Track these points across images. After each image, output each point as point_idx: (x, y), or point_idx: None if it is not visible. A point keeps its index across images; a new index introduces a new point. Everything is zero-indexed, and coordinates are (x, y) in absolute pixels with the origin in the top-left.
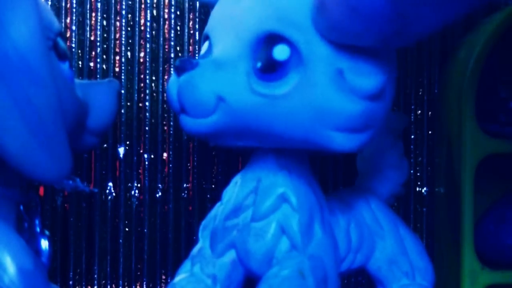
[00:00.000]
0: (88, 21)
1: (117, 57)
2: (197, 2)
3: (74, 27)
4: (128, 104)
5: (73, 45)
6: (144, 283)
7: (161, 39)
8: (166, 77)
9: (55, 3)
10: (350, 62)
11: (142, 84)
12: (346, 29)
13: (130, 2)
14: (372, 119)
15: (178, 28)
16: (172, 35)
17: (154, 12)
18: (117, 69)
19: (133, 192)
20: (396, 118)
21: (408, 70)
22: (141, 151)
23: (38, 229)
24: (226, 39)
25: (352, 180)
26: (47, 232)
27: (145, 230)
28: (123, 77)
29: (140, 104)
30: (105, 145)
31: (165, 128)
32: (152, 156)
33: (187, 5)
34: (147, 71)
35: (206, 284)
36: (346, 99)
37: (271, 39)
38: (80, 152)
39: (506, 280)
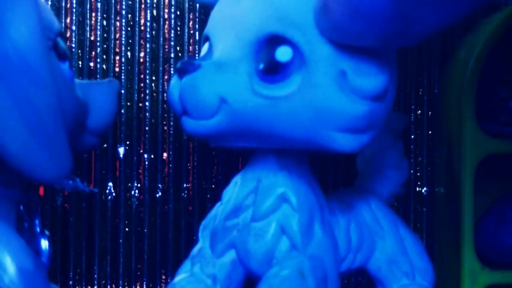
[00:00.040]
0: (88, 21)
1: (117, 57)
2: (197, 2)
3: (74, 27)
4: (128, 104)
5: (73, 45)
6: (144, 283)
7: (161, 39)
8: (166, 77)
9: (55, 3)
10: (352, 63)
11: (142, 84)
12: (348, 30)
13: (130, 2)
14: (374, 119)
15: (178, 28)
16: (172, 35)
17: (154, 12)
18: (117, 69)
19: (133, 192)
20: (396, 118)
21: (408, 70)
22: (141, 151)
23: (38, 229)
24: (226, 40)
25: (352, 180)
26: (47, 232)
27: (145, 230)
28: (123, 77)
29: (140, 104)
30: (105, 145)
31: (165, 128)
32: (152, 156)
33: (187, 5)
34: (147, 71)
35: (206, 284)
36: (348, 99)
37: (273, 40)
38: (80, 152)
39: (506, 280)
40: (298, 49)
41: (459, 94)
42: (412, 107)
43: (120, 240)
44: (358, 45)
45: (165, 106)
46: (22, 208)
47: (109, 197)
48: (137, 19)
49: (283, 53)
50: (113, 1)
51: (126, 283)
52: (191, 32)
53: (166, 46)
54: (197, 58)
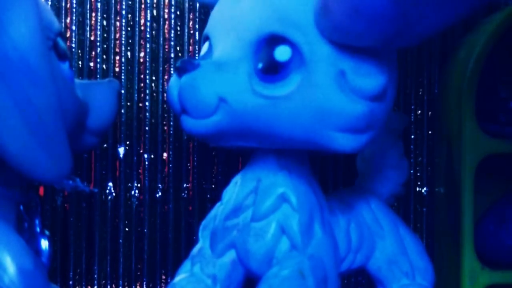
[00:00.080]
0: (88, 21)
1: (117, 57)
2: (197, 2)
3: (74, 27)
4: (128, 104)
5: (73, 45)
6: (144, 283)
7: (161, 39)
8: (166, 77)
9: (55, 3)
10: (352, 63)
11: (142, 84)
12: (348, 30)
13: (130, 2)
14: (373, 119)
15: (178, 28)
16: (172, 35)
17: (154, 12)
18: (117, 69)
19: (133, 192)
20: (396, 118)
21: (408, 70)
22: (141, 151)
23: (38, 229)
24: (226, 40)
25: (352, 180)
26: (47, 232)
27: (145, 230)
28: (123, 77)
29: (140, 104)
30: (105, 145)
31: (165, 128)
32: (152, 156)
33: (187, 5)
34: (147, 71)
35: (206, 284)
36: (348, 99)
37: (273, 40)
38: (80, 152)
39: (506, 280)
40: (297, 49)
41: (459, 94)
42: (412, 107)
43: (120, 240)
44: (358, 45)
45: (165, 106)
46: (22, 208)
47: (109, 197)
48: (137, 19)
49: (282, 53)
50: (113, 1)
51: (126, 283)
52: (191, 32)
53: (166, 46)
54: (197, 58)
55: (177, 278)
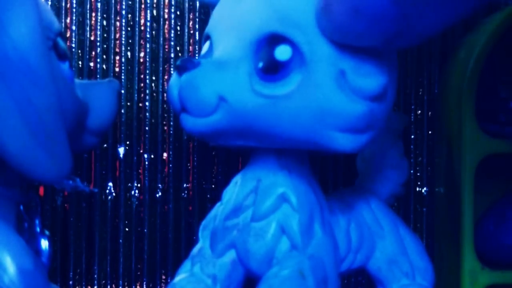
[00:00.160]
0: (88, 21)
1: (117, 57)
2: (197, 2)
3: (74, 27)
4: (128, 104)
5: (73, 45)
6: (144, 283)
7: (161, 39)
8: (166, 77)
9: (55, 3)
10: (352, 62)
11: (142, 84)
12: (349, 30)
13: (130, 2)
14: (373, 119)
15: (178, 28)
16: (172, 35)
17: (154, 12)
18: (117, 69)
19: (133, 192)
20: (396, 118)
21: (408, 70)
22: (141, 151)
23: (38, 229)
24: (227, 39)
25: (352, 180)
26: (47, 232)
27: (145, 230)
28: (123, 77)
29: (140, 104)
30: (105, 145)
31: (165, 128)
32: (152, 156)
33: (187, 5)
34: (147, 71)
35: (206, 284)
36: (348, 99)
37: (273, 39)
38: (80, 152)
39: (506, 280)
40: (297, 49)
41: (459, 94)
42: (412, 107)
43: (120, 240)
44: (358, 45)
45: (165, 106)
46: (22, 208)
47: (109, 197)
48: (137, 19)
49: (282, 52)
50: (113, 1)
51: (126, 283)
52: (191, 32)
53: (166, 46)
54: (197, 57)
55: (177, 278)
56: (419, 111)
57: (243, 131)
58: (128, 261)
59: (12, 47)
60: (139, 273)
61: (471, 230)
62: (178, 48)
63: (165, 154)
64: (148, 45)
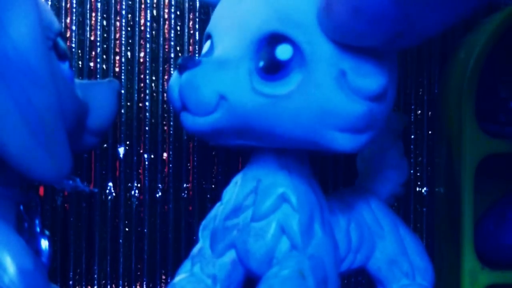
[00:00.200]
0: (88, 21)
1: (117, 57)
2: (197, 2)
3: (74, 27)
4: (128, 104)
5: (73, 45)
6: (144, 283)
7: (161, 39)
8: (166, 77)
9: (55, 3)
10: (353, 63)
11: (142, 84)
12: (350, 30)
13: (130, 2)
14: (373, 119)
15: (178, 28)
16: (172, 35)
17: (154, 12)
18: (117, 69)
19: (133, 192)
20: (396, 118)
21: (408, 70)
22: (141, 151)
23: (38, 229)
24: (228, 39)
25: (352, 180)
26: (47, 232)
27: (145, 230)
28: (123, 77)
29: (140, 104)
30: (105, 145)
31: (165, 128)
32: (152, 156)
33: (187, 5)
34: (147, 71)
35: (206, 284)
36: (348, 99)
37: (274, 39)
38: (80, 152)
39: (506, 280)
40: (298, 48)
41: (459, 94)
42: (412, 107)
43: (120, 240)
44: (359, 45)
45: (165, 106)
46: (22, 208)
47: (109, 197)
48: (137, 19)
49: (283, 51)
50: (113, 1)
51: (126, 283)
52: (191, 32)
53: (166, 46)
54: (197, 57)
55: (177, 278)
56: (419, 111)
57: (243, 130)
58: (128, 261)
59: (12, 47)
60: (139, 273)
61: (471, 230)
62: (178, 48)
63: (165, 154)
64: (148, 45)
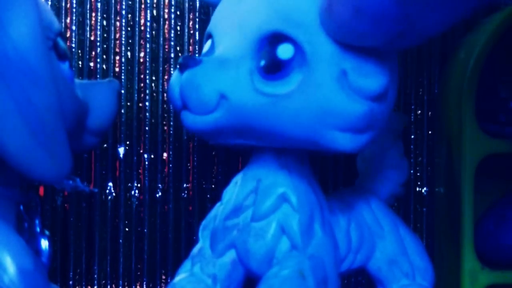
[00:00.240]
0: (88, 21)
1: (117, 57)
2: (197, 2)
3: (74, 27)
4: (128, 104)
5: (73, 45)
6: (144, 283)
7: (161, 39)
8: (166, 77)
9: (55, 3)
10: (354, 62)
11: (142, 84)
12: (351, 30)
13: (130, 2)
14: (374, 119)
15: (178, 28)
16: (172, 35)
17: (154, 12)
18: (117, 69)
19: (133, 192)
20: (396, 118)
21: (408, 70)
22: (141, 151)
23: (38, 229)
24: (229, 38)
25: (352, 180)
26: (47, 232)
27: (145, 230)
28: (123, 77)
29: (140, 104)
30: (105, 145)
31: (165, 128)
32: (152, 156)
33: (187, 5)
34: (147, 71)
35: (206, 284)
36: (349, 99)
37: (275, 38)
38: (80, 152)
39: (506, 280)
40: (299, 48)
41: (459, 94)
42: (412, 107)
43: (120, 240)
44: (361, 45)
45: (165, 106)
46: (22, 208)
47: (109, 197)
48: (137, 19)
49: (284, 51)
50: (113, 1)
51: (126, 283)
52: (191, 32)
53: (166, 46)
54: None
55: (177, 278)
56: (419, 111)
57: (243, 130)
58: (128, 261)
59: (12, 47)
60: (139, 273)
61: (471, 230)
62: (178, 48)
63: (165, 154)
64: (148, 45)
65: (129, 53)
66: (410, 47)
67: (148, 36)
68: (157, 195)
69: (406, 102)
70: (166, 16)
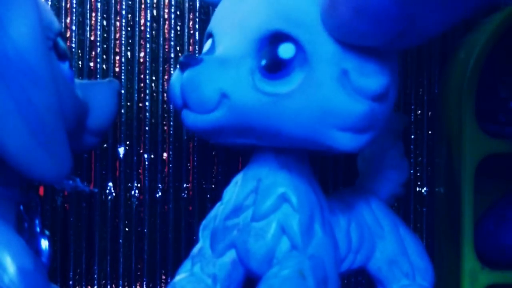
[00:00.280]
0: (88, 21)
1: (117, 57)
2: (197, 2)
3: (74, 27)
4: (128, 104)
5: (73, 45)
6: (144, 283)
7: (161, 39)
8: (166, 77)
9: (55, 3)
10: (355, 62)
11: (142, 84)
12: (352, 30)
13: (130, 2)
14: (375, 119)
15: (178, 28)
16: (172, 35)
17: (154, 12)
18: (117, 69)
19: (133, 192)
20: (396, 118)
21: (408, 70)
22: (141, 151)
23: (38, 229)
24: (230, 37)
25: (352, 180)
26: (47, 232)
27: (145, 230)
28: (123, 77)
29: (140, 104)
30: (105, 145)
31: (165, 128)
32: (152, 156)
33: (187, 5)
34: (147, 71)
35: (206, 283)
36: (350, 99)
37: (277, 37)
38: (80, 152)
39: (506, 280)
40: (301, 47)
41: (459, 94)
42: (412, 107)
43: (120, 240)
44: (362, 45)
45: (165, 106)
46: (22, 208)
47: (109, 197)
48: (137, 19)
49: (285, 50)
50: (113, 1)
51: (126, 283)
52: (191, 32)
53: (166, 46)
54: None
55: (177, 278)
56: (419, 111)
57: (244, 129)
58: (128, 261)
59: (12, 47)
60: (139, 273)
61: (471, 230)
62: (178, 48)
63: (165, 154)
64: (148, 45)
65: (129, 53)
66: (410, 47)
67: (148, 36)
68: (157, 195)
69: (406, 102)
70: (166, 16)
